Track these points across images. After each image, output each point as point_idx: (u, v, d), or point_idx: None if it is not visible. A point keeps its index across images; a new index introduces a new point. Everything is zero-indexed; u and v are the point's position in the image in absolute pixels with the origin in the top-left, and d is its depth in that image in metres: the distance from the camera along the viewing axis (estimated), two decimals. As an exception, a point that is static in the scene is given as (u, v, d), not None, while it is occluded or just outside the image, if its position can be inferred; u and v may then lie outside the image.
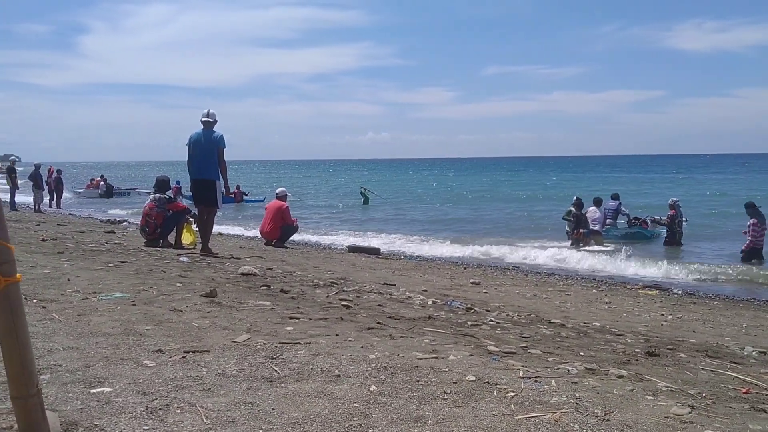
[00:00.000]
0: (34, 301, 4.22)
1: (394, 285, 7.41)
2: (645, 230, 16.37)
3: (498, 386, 2.81)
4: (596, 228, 15.41)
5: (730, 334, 6.14)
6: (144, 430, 2.17)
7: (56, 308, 4.06)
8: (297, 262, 9.42)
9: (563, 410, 2.50)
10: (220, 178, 8.50)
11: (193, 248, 9.20)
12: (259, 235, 13.52)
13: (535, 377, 3.01)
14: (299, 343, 3.49)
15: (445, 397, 2.65)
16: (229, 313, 4.30)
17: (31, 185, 21.22)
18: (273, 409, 2.43)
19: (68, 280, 5.28)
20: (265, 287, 5.80)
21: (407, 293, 6.55)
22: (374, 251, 13.41)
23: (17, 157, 38.03)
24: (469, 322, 4.88)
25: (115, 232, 11.93)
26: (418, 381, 2.86)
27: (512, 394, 2.71)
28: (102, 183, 35.09)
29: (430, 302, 5.97)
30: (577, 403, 2.60)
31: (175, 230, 9.39)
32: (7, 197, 19.81)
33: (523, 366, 3.25)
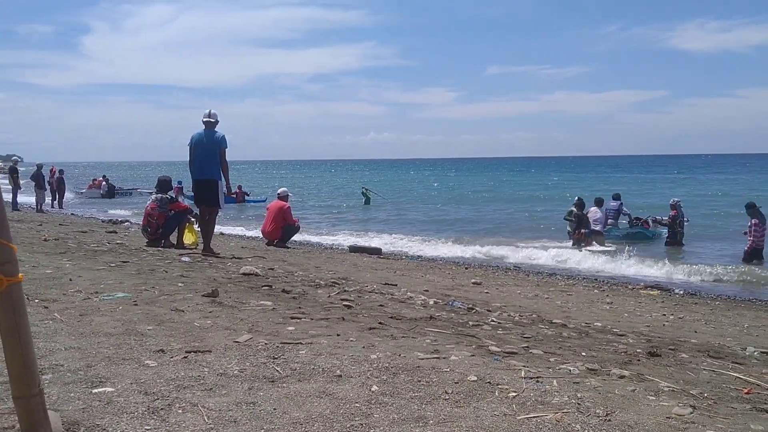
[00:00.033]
0: (36, 301, 4.22)
1: (396, 285, 7.40)
2: (646, 230, 16.36)
3: (499, 386, 2.81)
4: (598, 228, 15.39)
5: (732, 334, 6.13)
6: (146, 429, 2.17)
7: (58, 308, 4.07)
8: (298, 262, 9.42)
9: (565, 410, 2.50)
10: (222, 178, 8.51)
11: (195, 248, 9.21)
12: (261, 235, 13.53)
13: (537, 377, 3.01)
14: (301, 343, 3.49)
15: (447, 398, 2.65)
16: (231, 313, 4.30)
17: (33, 185, 21.24)
18: (274, 409, 2.43)
19: (70, 280, 5.29)
20: (266, 287, 5.80)
21: (409, 293, 6.55)
22: (376, 251, 13.41)
23: (19, 157, 38.14)
24: (470, 323, 4.88)
25: (116, 232, 11.94)
26: (419, 381, 2.86)
27: (514, 394, 2.71)
28: (104, 183, 35.12)
29: (431, 302, 5.97)
30: (578, 404, 2.60)
31: (176, 230, 9.40)
32: (9, 197, 19.82)
33: (524, 366, 3.25)
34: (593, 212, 15.72)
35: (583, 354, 3.89)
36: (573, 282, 10.35)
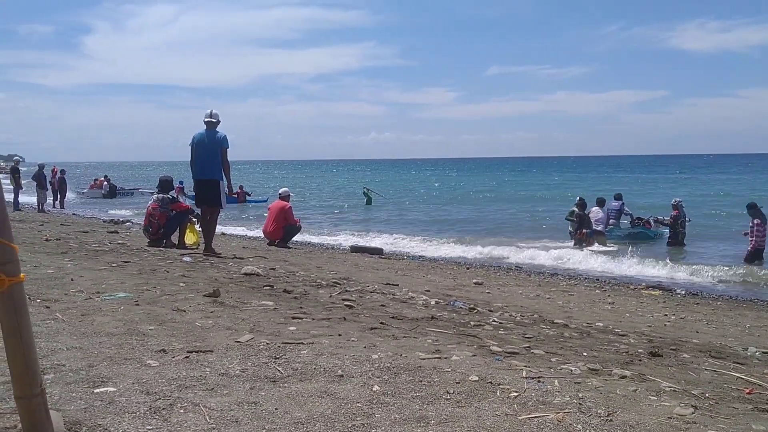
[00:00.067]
0: (38, 300, 4.23)
1: (397, 285, 7.40)
2: (648, 230, 16.35)
3: (501, 386, 2.81)
4: (599, 228, 15.38)
5: (734, 334, 6.12)
6: (147, 429, 2.18)
7: (60, 308, 4.07)
8: (300, 262, 9.43)
9: (566, 410, 2.50)
10: (224, 178, 8.52)
11: (196, 248, 9.22)
12: (262, 235, 13.54)
13: (538, 377, 3.01)
14: (302, 343, 3.49)
15: (448, 397, 2.65)
16: (232, 313, 4.30)
17: (35, 185, 21.27)
18: (276, 408, 2.43)
19: (72, 280, 5.30)
20: (268, 287, 5.80)
21: (410, 293, 6.55)
22: (377, 251, 13.41)
23: (21, 157, 38.18)
24: (472, 323, 4.88)
25: (118, 232, 11.95)
26: (421, 381, 2.86)
27: (515, 394, 2.71)
28: (105, 183, 35.15)
29: (433, 302, 5.97)
30: (580, 404, 2.60)
31: (178, 230, 9.40)
32: (10, 197, 19.84)
33: (526, 366, 3.25)
34: (595, 212, 15.70)
35: (585, 354, 3.88)
36: (574, 282, 10.35)
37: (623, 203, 16.73)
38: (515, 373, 3.09)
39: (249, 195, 30.61)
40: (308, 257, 10.66)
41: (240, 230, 17.87)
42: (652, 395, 2.85)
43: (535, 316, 5.89)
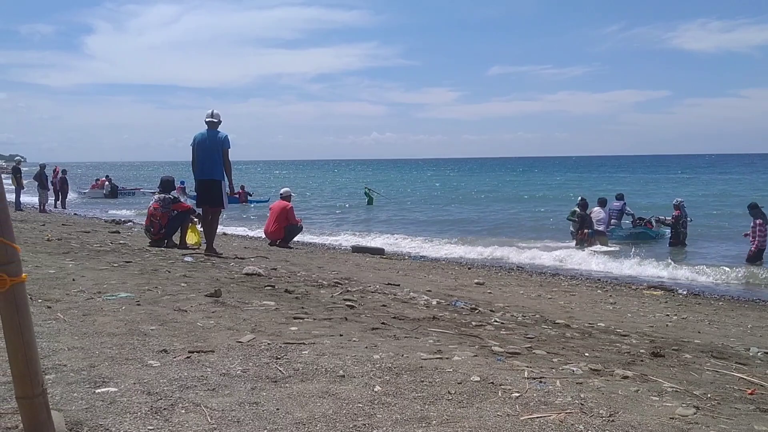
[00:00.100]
0: (40, 300, 4.23)
1: (399, 285, 7.40)
2: (649, 230, 16.33)
3: (502, 387, 2.81)
4: (601, 228, 15.37)
5: (735, 334, 6.12)
6: (149, 429, 2.18)
7: (61, 308, 4.07)
8: (301, 262, 9.43)
9: (568, 411, 2.49)
10: (225, 178, 8.52)
11: (198, 248, 9.23)
12: (264, 235, 13.54)
13: (540, 378, 3.00)
14: (303, 344, 3.49)
15: (450, 398, 2.65)
16: (234, 313, 4.30)
17: (36, 185, 21.29)
18: (277, 409, 2.43)
19: (73, 280, 5.30)
20: (269, 287, 5.80)
21: (411, 293, 6.55)
22: (378, 251, 13.41)
23: (22, 157, 38.21)
24: (473, 323, 4.87)
25: (119, 232, 11.96)
26: (422, 381, 2.86)
27: (517, 394, 2.70)
28: (107, 183, 35.20)
29: (434, 302, 5.97)
30: (581, 404, 2.59)
31: (179, 230, 9.41)
32: (12, 197, 19.87)
33: (527, 366, 3.24)
34: (596, 212, 15.69)
35: (587, 354, 3.88)
36: (576, 282, 10.34)
37: (625, 203, 16.71)
38: (517, 373, 3.08)
39: (250, 195, 30.62)
40: (309, 257, 10.66)
41: (241, 230, 17.88)
42: (654, 396, 2.85)
43: (537, 316, 5.89)
